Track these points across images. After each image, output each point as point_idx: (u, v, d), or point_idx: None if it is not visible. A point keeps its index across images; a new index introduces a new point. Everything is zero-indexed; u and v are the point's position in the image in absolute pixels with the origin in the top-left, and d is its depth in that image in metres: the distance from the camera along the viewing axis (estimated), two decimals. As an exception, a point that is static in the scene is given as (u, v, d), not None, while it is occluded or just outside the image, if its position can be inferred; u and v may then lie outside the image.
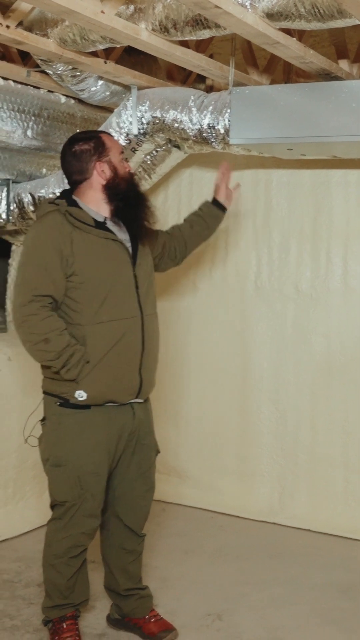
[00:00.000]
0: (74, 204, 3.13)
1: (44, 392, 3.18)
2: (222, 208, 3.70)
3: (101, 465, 3.13)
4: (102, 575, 3.46)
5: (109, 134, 3.28)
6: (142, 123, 4.05)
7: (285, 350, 4.78)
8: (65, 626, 3.23)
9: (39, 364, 3.16)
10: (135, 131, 4.05)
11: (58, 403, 3.11)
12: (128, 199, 3.16)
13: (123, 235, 3.16)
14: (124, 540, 3.32)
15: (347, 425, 4.61)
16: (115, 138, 4.02)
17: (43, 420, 3.20)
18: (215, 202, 3.68)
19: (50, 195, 4.29)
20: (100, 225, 3.11)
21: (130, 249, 3.16)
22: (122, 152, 3.23)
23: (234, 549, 4.35)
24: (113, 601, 3.45)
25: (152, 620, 3.39)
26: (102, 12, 2.95)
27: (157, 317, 3.27)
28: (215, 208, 3.67)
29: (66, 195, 3.19)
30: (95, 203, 3.15)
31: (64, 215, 3.05)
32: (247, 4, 2.98)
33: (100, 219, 3.13)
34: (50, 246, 3.00)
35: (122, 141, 4.07)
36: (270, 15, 3.01)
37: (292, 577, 3.98)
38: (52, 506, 3.22)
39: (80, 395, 3.04)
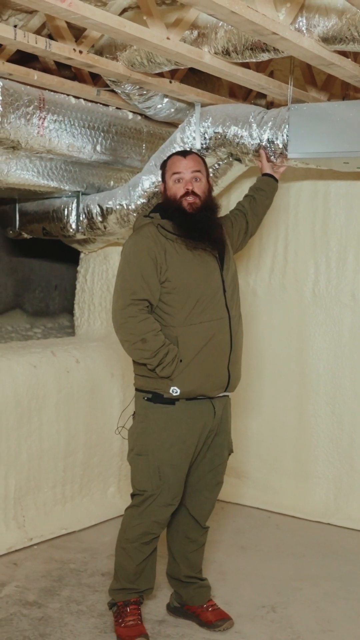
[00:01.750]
0: (168, 217, 3.39)
1: (136, 389, 3.46)
2: (274, 178, 4.05)
3: (180, 458, 3.36)
4: (164, 568, 3.68)
5: (179, 155, 3.49)
6: (204, 138, 4.26)
7: (342, 356, 4.93)
8: (129, 610, 3.45)
9: (123, 364, 3.42)
10: (198, 146, 4.26)
11: (146, 398, 3.38)
12: (174, 219, 3.39)
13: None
14: (188, 529, 3.55)
15: None
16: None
17: (134, 414, 3.48)
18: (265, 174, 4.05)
19: (118, 207, 4.54)
20: (191, 236, 3.35)
21: (217, 256, 3.41)
22: (178, 173, 3.40)
23: (290, 547, 4.51)
24: (174, 589, 3.66)
25: (210, 609, 3.59)
26: (168, 38, 3.17)
27: (241, 318, 3.54)
28: (269, 178, 4.04)
29: (159, 209, 3.46)
30: None
31: (156, 228, 3.34)
32: (303, 29, 3.17)
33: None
34: (146, 255, 3.30)
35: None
36: (326, 39, 3.20)
37: (345, 574, 4.13)
38: (133, 495, 3.46)
39: (175, 390, 3.31)
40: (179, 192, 3.38)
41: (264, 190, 3.95)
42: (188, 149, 4.05)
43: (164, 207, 3.43)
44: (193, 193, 3.37)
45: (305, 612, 3.72)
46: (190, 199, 3.36)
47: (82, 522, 4.68)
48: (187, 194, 3.37)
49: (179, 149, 4.28)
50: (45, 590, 3.84)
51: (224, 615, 3.58)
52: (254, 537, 4.65)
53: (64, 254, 5.62)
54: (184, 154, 3.48)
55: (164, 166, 3.50)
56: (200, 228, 3.34)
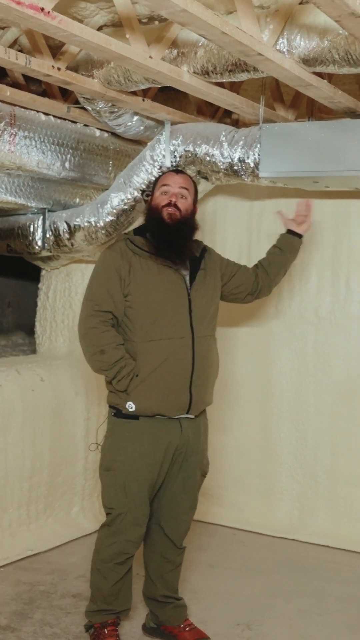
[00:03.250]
0: (142, 233, 3.43)
1: (108, 405, 3.46)
2: (298, 235, 3.89)
3: (145, 474, 3.34)
4: (141, 587, 3.65)
5: (172, 171, 3.54)
6: (174, 156, 4.28)
7: (305, 373, 4.98)
8: (106, 632, 3.41)
9: (87, 382, 3.39)
10: (168, 164, 4.28)
11: (113, 413, 3.41)
12: (150, 227, 3.43)
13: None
14: (164, 549, 3.53)
15: (366, 445, 4.81)
16: (149, 170, 4.29)
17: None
18: (289, 231, 3.89)
19: (85, 224, 4.52)
20: (160, 253, 3.36)
21: (186, 275, 3.40)
22: (166, 185, 3.42)
23: (257, 564, 4.52)
24: (150, 609, 3.62)
25: (187, 629, 3.57)
26: (150, 57, 3.17)
27: (213, 340, 3.52)
28: (290, 235, 3.88)
29: (142, 227, 3.50)
30: None
31: (126, 243, 3.39)
32: (284, 50, 3.22)
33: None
34: (112, 269, 3.35)
35: (156, 173, 4.29)
36: (306, 61, 3.25)
37: (316, 590, 4.15)
38: (107, 514, 3.44)
39: (130, 406, 3.32)
40: (163, 202, 3.40)
41: (280, 249, 3.85)
42: (179, 169, 4.00)
43: (146, 217, 3.48)
44: (175, 206, 3.38)
45: (281, 628, 3.73)
46: (170, 209, 3.37)
47: (48, 543, 4.61)
48: (169, 204, 3.38)
49: (148, 167, 4.31)
50: (16, 613, 3.77)
51: (202, 635, 3.56)
52: (221, 554, 4.64)
53: (19, 270, 5.55)
54: (177, 171, 3.53)
55: (156, 180, 3.53)
56: (171, 239, 3.35)
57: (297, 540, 4.88)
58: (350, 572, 4.42)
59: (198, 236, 3.55)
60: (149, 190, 4.05)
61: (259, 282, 3.77)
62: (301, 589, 4.17)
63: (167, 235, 3.36)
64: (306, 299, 4.95)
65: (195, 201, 3.50)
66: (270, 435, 5.08)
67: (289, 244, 3.84)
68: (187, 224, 3.42)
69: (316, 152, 3.98)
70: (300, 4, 3.24)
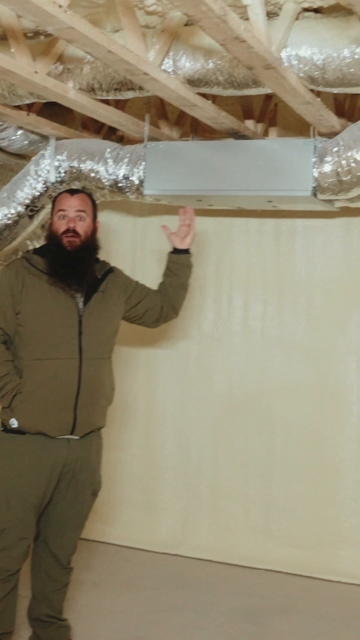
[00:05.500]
0: (41, 253, 3.45)
1: None
2: (184, 251, 3.84)
3: (29, 490, 3.31)
4: (23, 608, 3.58)
5: (67, 193, 3.51)
6: (59, 172, 4.25)
7: (188, 389, 5.03)
8: (-13, 654, 3.34)
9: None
10: (52, 179, 4.24)
11: (1, 429, 3.38)
12: (50, 253, 3.43)
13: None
14: (50, 567, 3.49)
15: (247, 459, 4.89)
16: (33, 185, 4.25)
17: None
18: (175, 249, 3.84)
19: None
20: (54, 273, 3.36)
21: (80, 296, 3.38)
22: (63, 210, 3.44)
23: (141, 580, 4.52)
24: (33, 629, 3.57)
25: (69, 649, 3.54)
26: (36, 72, 3.15)
27: (106, 362, 3.50)
28: (176, 255, 3.82)
29: (43, 247, 3.53)
30: None
31: (22, 261, 3.42)
32: (170, 70, 3.25)
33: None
34: (6, 286, 3.37)
35: (40, 188, 4.25)
36: (191, 81, 3.29)
37: (199, 605, 4.18)
38: None
39: (13, 422, 3.32)
40: (61, 228, 3.42)
41: (171, 270, 3.83)
42: (78, 188, 3.91)
43: (46, 240, 3.51)
44: (74, 231, 3.39)
45: (166, 645, 3.74)
46: (70, 236, 3.39)
47: None
48: (67, 231, 3.39)
49: (32, 182, 4.26)
50: None
51: (86, 654, 3.54)
52: (104, 572, 4.62)
53: None
54: (72, 192, 3.51)
55: (53, 202, 3.54)
56: (71, 266, 3.36)
57: (181, 555, 4.91)
58: (231, 586, 4.47)
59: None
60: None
61: (164, 307, 3.79)
62: (184, 603, 4.19)
63: (67, 262, 3.38)
64: (189, 315, 5.00)
65: (94, 218, 3.52)
66: (153, 450, 5.09)
67: (178, 263, 3.83)
68: (88, 247, 3.44)
69: (200, 171, 4.03)
70: (186, 25, 3.28)
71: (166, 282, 3.82)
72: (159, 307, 3.77)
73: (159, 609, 4.12)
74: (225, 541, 4.91)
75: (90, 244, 3.46)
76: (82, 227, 3.42)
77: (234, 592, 4.38)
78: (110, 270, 3.60)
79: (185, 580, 4.52)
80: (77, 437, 3.38)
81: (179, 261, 3.82)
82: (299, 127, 4.20)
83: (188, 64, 3.25)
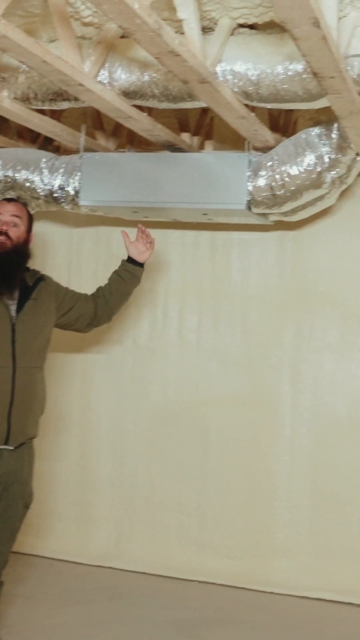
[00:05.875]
0: None
1: None
2: (139, 263, 3.88)
3: None
4: None
5: (5, 200, 3.53)
6: (-7, 181, 4.22)
7: (123, 399, 5.01)
8: None
9: None
10: (-14, 188, 4.21)
11: None
12: None
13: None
14: (-21, 581, 3.43)
15: (182, 470, 4.89)
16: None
17: None
18: (130, 259, 3.88)
19: None
20: None
21: (12, 304, 3.35)
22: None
23: (74, 594, 4.47)
24: None
25: (1, 665, 3.48)
26: (-30, 80, 3.12)
27: (39, 371, 3.48)
28: (131, 265, 3.86)
29: None
30: None
31: None
32: (105, 82, 3.25)
33: None
34: None
35: (-27, 196, 4.22)
36: (127, 93, 3.30)
37: (133, 618, 4.16)
38: None
39: None
40: None
41: (122, 277, 3.86)
42: (14, 198, 3.90)
43: None
44: (6, 234, 3.37)
45: (98, 659, 3.71)
46: (1, 238, 3.36)
47: None
48: (0, 233, 3.36)
49: None
50: None
51: (16, 670, 3.49)
52: (37, 586, 4.56)
53: None
54: (9, 200, 3.51)
55: None
56: (0, 268, 3.33)
57: (115, 568, 4.88)
58: (165, 598, 4.46)
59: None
60: None
61: (97, 312, 3.78)
62: (118, 617, 4.16)
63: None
64: (125, 326, 4.99)
65: (29, 230, 3.49)
66: (88, 461, 5.06)
67: (130, 273, 3.86)
68: (19, 252, 3.40)
69: (136, 183, 4.04)
70: (122, 37, 3.29)
71: (112, 287, 3.84)
72: (92, 312, 3.77)
73: (92, 622, 4.08)
74: (159, 553, 4.90)
75: (21, 250, 3.43)
76: (15, 233, 3.41)
77: (168, 604, 4.37)
78: (41, 278, 3.59)
79: (119, 593, 4.49)
80: (11, 448, 3.34)
81: (133, 271, 3.86)
82: (235, 141, 4.24)
83: (124, 76, 3.26)
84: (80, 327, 3.79)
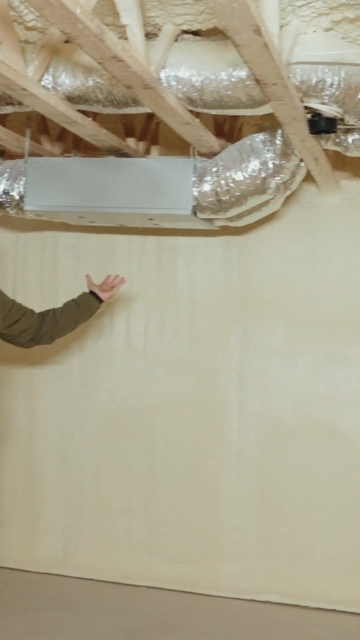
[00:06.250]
0: None
1: None
2: (99, 298, 3.99)
3: None
4: None
5: None
6: None
7: (70, 405, 4.99)
8: None
9: None
10: None
11: None
12: None
13: None
14: None
15: (130, 476, 4.88)
16: None
17: None
18: (92, 292, 3.99)
19: None
20: None
21: None
22: None
23: (21, 602, 4.42)
24: None
25: None
26: None
27: None
28: (92, 297, 3.99)
29: None
30: None
31: None
32: (49, 86, 3.24)
33: None
34: None
35: None
36: (71, 98, 3.29)
37: (81, 625, 4.13)
38: None
39: None
40: None
41: (78, 306, 3.94)
42: None
43: None
44: None
45: (44, 668, 3.68)
46: None
47: None
48: None
49: None
50: None
51: None
52: (-17, 595, 4.52)
53: None
54: None
55: None
56: None
57: (62, 575, 4.84)
58: (113, 604, 4.44)
59: None
60: None
61: (42, 329, 3.77)
62: (65, 624, 4.13)
63: None
64: (71, 333, 4.94)
65: None
66: (34, 468, 5.02)
67: (87, 304, 3.95)
68: None
69: (81, 188, 4.03)
70: (66, 42, 3.28)
71: (65, 310, 3.91)
72: (36, 328, 3.77)
73: (39, 631, 4.04)
74: (107, 559, 4.88)
75: None
76: None
77: (117, 611, 4.35)
78: None
79: (66, 601, 4.46)
80: None
81: (90, 303, 3.96)
82: (181, 147, 4.26)
83: (68, 81, 3.25)
84: (22, 342, 3.79)
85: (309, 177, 4.26)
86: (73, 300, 3.98)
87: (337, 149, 3.70)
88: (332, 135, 3.54)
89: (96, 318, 4.89)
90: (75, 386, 4.99)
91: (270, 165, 3.83)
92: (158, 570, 4.78)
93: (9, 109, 3.48)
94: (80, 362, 4.98)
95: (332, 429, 4.60)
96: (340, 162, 4.49)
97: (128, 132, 4.19)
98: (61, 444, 5.00)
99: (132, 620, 4.23)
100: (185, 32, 3.21)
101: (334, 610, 4.39)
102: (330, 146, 3.68)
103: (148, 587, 4.70)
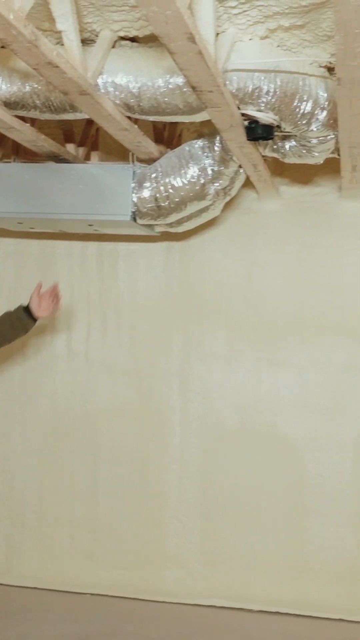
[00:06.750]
0: None
1: None
2: (33, 316, 3.85)
3: None
4: None
5: None
6: None
7: (12, 414, 4.94)
8: None
9: None
10: None
11: None
12: None
13: None
14: None
15: (73, 483, 4.85)
16: None
17: None
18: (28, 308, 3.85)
19: None
20: None
21: None
22: None
23: None
24: None
25: None
26: None
27: None
28: (25, 315, 3.84)
29: None
30: None
31: None
32: (-15, 92, 3.22)
33: None
34: None
35: None
36: (8, 104, 3.27)
37: (23, 635, 4.10)
38: None
39: None
40: None
41: (10, 321, 3.84)
42: None
43: None
44: None
45: None
46: None
47: None
48: None
49: None
50: None
51: None
52: None
53: None
54: None
55: None
56: None
57: (5, 584, 4.80)
58: (57, 613, 4.42)
59: None
60: None
61: None
62: (7, 634, 4.09)
63: None
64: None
65: None
66: (-24, 478, 4.97)
67: (21, 322, 3.85)
68: None
69: (21, 194, 4.01)
70: (2, 47, 3.26)
71: (2, 329, 3.83)
72: None
73: (-20, 641, 4.01)
74: (50, 567, 4.85)
75: None
76: None
77: (60, 619, 4.33)
78: None
79: (9, 610, 4.42)
80: None
81: (24, 321, 3.84)
82: (122, 153, 4.25)
83: (4, 87, 3.23)
84: None
85: (248, 183, 4.30)
86: (7, 314, 3.87)
87: (275, 155, 3.74)
88: (270, 142, 3.58)
89: (37, 324, 4.87)
90: (16, 393, 4.95)
91: (209, 172, 3.85)
92: (102, 576, 4.77)
93: None
94: (21, 368, 4.94)
95: (273, 433, 4.64)
96: (280, 168, 4.54)
97: (67, 137, 4.17)
98: (3, 452, 4.95)
99: (77, 628, 4.21)
100: (122, 38, 3.21)
101: (277, 613, 4.43)
102: (268, 153, 3.72)
103: (92, 594, 4.69)
